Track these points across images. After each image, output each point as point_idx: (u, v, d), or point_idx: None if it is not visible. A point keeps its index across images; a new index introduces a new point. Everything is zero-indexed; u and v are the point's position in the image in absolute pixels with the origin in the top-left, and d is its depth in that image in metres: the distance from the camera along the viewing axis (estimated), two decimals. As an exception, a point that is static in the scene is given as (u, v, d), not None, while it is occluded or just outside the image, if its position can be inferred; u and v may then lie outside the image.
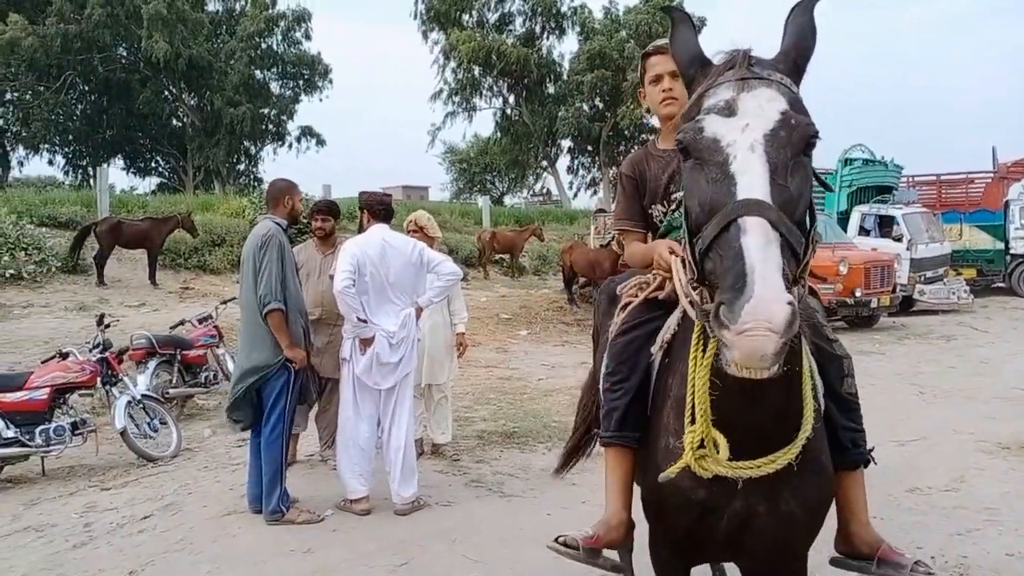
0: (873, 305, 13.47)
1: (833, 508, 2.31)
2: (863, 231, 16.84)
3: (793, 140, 1.65)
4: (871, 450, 2.54)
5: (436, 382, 6.08)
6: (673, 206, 2.63)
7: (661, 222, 2.70)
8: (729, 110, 1.68)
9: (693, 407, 1.85)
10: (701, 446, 1.84)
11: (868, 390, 8.24)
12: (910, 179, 20.99)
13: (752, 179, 1.59)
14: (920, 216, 17.23)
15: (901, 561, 2.33)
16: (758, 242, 1.49)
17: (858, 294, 13.07)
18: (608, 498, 2.50)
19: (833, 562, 2.48)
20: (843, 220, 16.95)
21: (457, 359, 6.44)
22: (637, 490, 2.44)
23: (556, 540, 2.42)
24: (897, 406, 7.84)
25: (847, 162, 18.11)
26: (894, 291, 14.15)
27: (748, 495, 1.94)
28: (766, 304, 1.40)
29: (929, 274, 16.44)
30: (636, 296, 2.58)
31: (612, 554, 2.75)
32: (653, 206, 2.70)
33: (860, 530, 2.46)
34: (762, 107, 1.66)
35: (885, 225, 16.79)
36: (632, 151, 20.85)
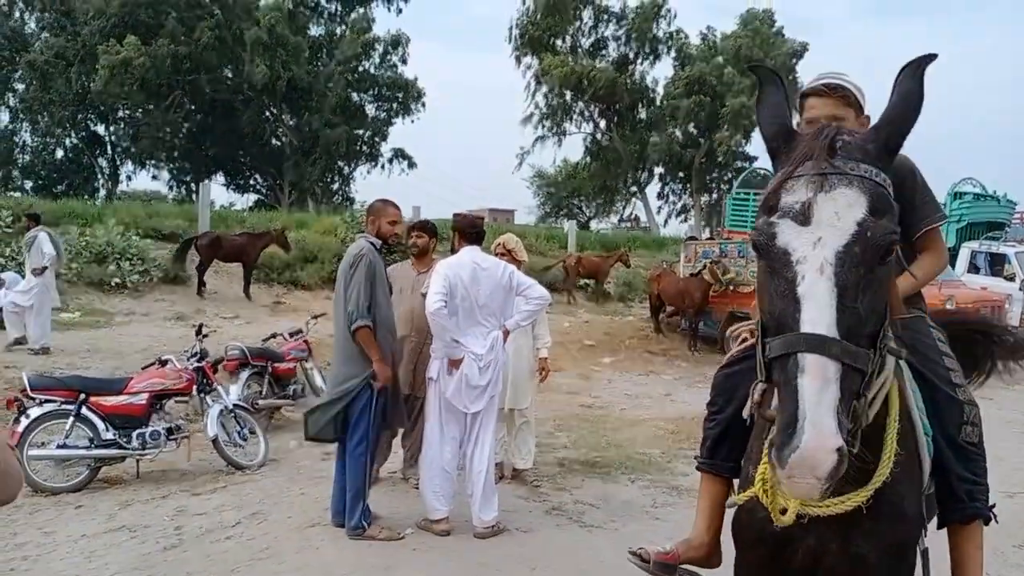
0: (981, 347, 12.73)
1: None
2: (973, 269, 16.02)
3: (867, 257, 1.61)
4: (992, 506, 2.40)
5: (519, 407, 6.02)
6: None
7: None
8: (804, 216, 1.62)
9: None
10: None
11: (977, 437, 7.80)
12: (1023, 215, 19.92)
13: (818, 310, 1.56)
14: (1034, 255, 16.28)
15: None
16: (814, 386, 1.50)
17: (965, 335, 12.39)
18: (696, 520, 2.65)
19: None
20: (951, 257, 16.16)
21: (538, 383, 6.38)
22: None
23: (633, 551, 2.59)
24: (1008, 455, 7.34)
25: (957, 195, 17.31)
26: (1005, 333, 13.36)
27: (821, 532, 1.93)
28: (812, 454, 1.45)
29: (1044, 315, 15.47)
30: (747, 338, 2.61)
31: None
32: None
33: None
34: (839, 215, 1.61)
35: (996, 263, 15.91)
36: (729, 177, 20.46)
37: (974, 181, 17.98)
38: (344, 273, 4.79)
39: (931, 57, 1.76)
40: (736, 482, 2.49)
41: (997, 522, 2.44)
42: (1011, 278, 15.34)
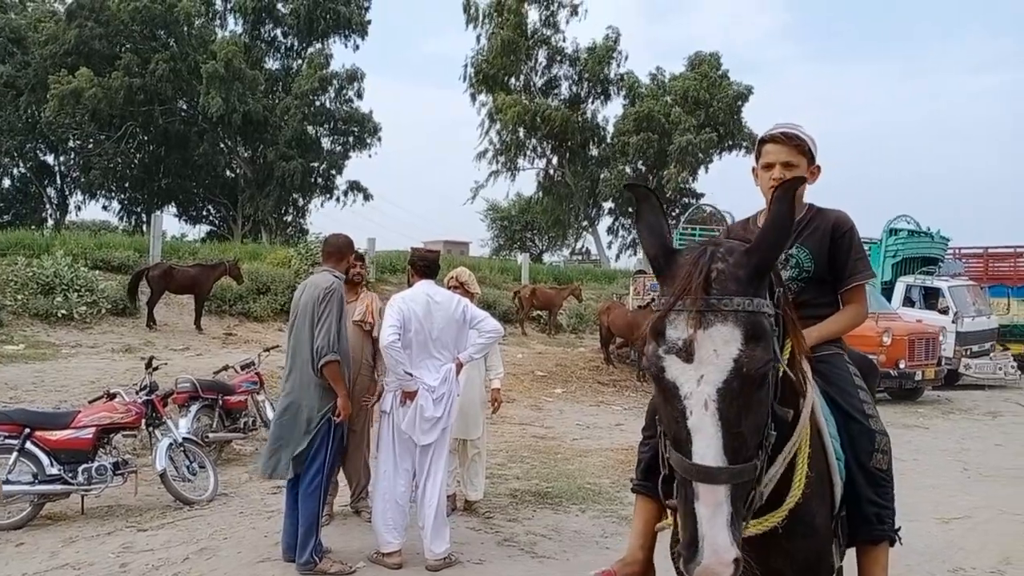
0: (917, 378, 13.22)
1: None
2: (908, 302, 16.60)
3: (746, 389, 1.78)
4: (898, 529, 2.61)
5: (470, 437, 6.09)
6: None
7: None
8: (687, 353, 1.79)
9: None
10: None
11: (911, 464, 8.12)
12: (956, 251, 20.71)
13: (705, 443, 1.76)
14: (966, 289, 16.95)
15: None
16: (708, 512, 1.72)
17: (902, 366, 12.84)
18: (631, 538, 2.80)
19: None
20: (887, 291, 16.73)
21: (490, 414, 6.46)
22: None
23: None
24: (941, 483, 7.64)
25: (892, 232, 17.96)
26: (939, 364, 13.88)
27: (746, 552, 2.04)
28: (712, 569, 1.69)
29: (975, 348, 16.09)
30: None
31: None
32: None
33: None
34: (717, 352, 1.77)
35: (930, 297, 16.54)
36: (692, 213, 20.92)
37: (908, 218, 18.68)
38: (312, 306, 4.80)
39: (800, 180, 2.02)
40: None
41: (901, 543, 2.64)
42: (944, 311, 15.95)
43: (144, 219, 37.28)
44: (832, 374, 2.60)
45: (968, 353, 15.81)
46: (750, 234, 2.83)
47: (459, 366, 5.19)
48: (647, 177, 37.26)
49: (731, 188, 54.77)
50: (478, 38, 36.82)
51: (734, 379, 1.76)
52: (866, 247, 2.90)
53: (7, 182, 38.95)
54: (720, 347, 1.77)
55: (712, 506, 1.73)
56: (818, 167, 2.77)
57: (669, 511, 2.45)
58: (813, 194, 2.86)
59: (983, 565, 5.21)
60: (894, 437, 2.80)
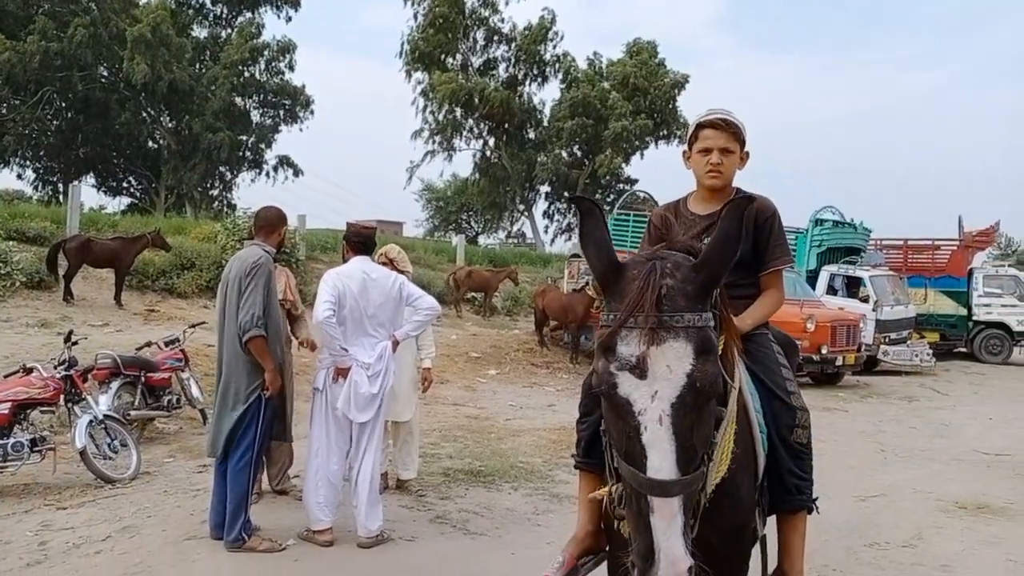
0: (838, 363, 13.70)
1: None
2: (831, 291, 17.17)
3: (699, 402, 1.84)
4: (815, 499, 2.77)
5: (401, 419, 6.02)
6: None
7: None
8: (640, 370, 1.81)
9: None
10: None
11: (831, 445, 8.42)
12: (878, 242, 21.49)
13: (660, 457, 1.80)
14: (887, 279, 17.63)
15: None
16: (663, 523, 1.77)
17: (824, 351, 13.29)
18: (579, 513, 2.84)
19: None
20: (812, 279, 17.27)
21: (421, 394, 6.42)
22: None
23: None
24: (859, 463, 7.95)
25: (818, 222, 18.52)
26: (859, 350, 14.41)
27: None
28: None
29: (894, 336, 16.78)
30: None
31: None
32: None
33: (792, 574, 2.74)
34: (670, 368, 1.81)
35: (852, 286, 17.15)
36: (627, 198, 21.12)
37: (834, 209, 19.29)
38: (238, 279, 4.67)
39: (751, 199, 2.06)
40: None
41: (819, 512, 2.80)
42: (866, 300, 16.57)
43: (61, 189, 35.73)
44: (757, 352, 2.70)
45: (887, 340, 16.47)
46: (679, 218, 2.89)
47: (395, 344, 5.14)
48: (583, 162, 37.54)
49: (664, 175, 55.60)
50: (415, 15, 36.35)
51: (687, 393, 1.81)
52: (792, 236, 3.00)
53: (-89, 146, 36.74)
54: (673, 363, 1.81)
55: (668, 518, 1.77)
56: (747, 153, 2.84)
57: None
58: (741, 179, 2.92)
59: (897, 540, 5.44)
60: (815, 419, 2.91)
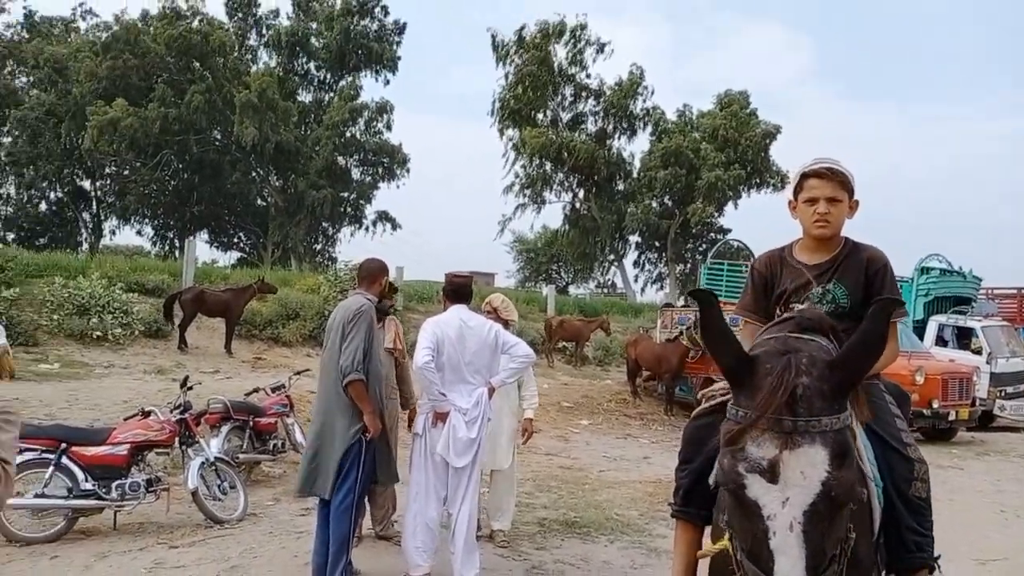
0: (951, 418, 12.97)
1: None
2: (940, 342, 16.36)
3: (832, 511, 1.76)
4: (937, 557, 2.61)
5: (498, 468, 6.05)
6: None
7: None
8: (771, 473, 1.74)
9: None
10: None
11: (947, 504, 7.97)
12: (989, 291, 20.43)
13: (790, 565, 1.73)
14: (1000, 329, 16.67)
15: None
16: None
17: (935, 405, 12.61)
18: (674, 563, 2.83)
19: None
20: (919, 330, 16.52)
21: (521, 444, 6.44)
22: None
23: None
24: (978, 523, 7.48)
25: (924, 271, 17.78)
26: (973, 404, 13.61)
27: None
28: None
29: (1010, 389, 15.76)
30: (716, 398, 2.78)
31: None
32: (773, 308, 2.86)
33: None
34: (804, 475, 1.73)
35: (963, 337, 16.29)
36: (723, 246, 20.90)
37: (940, 257, 18.50)
38: (342, 325, 4.87)
39: (898, 305, 2.02)
40: (708, 529, 2.68)
41: (941, 572, 2.63)
42: (978, 351, 15.70)
43: (177, 244, 37.98)
44: (870, 401, 2.58)
45: (1003, 394, 15.51)
46: (785, 267, 2.84)
47: (491, 391, 5.22)
48: (674, 212, 37.28)
49: (755, 224, 54.72)
50: (506, 75, 37.31)
51: (821, 502, 1.74)
52: (899, 285, 2.91)
53: (44, 206, 39.89)
54: (807, 469, 1.73)
55: None
56: (857, 202, 2.79)
57: (710, 539, 2.47)
58: (850, 229, 2.88)
59: (1022, 606, 5.09)
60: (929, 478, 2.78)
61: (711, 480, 2.21)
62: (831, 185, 2.70)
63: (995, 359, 15.55)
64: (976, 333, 16.05)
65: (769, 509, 1.74)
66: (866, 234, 2.88)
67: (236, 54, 37.02)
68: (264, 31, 39.67)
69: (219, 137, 37.11)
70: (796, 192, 2.81)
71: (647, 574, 5.50)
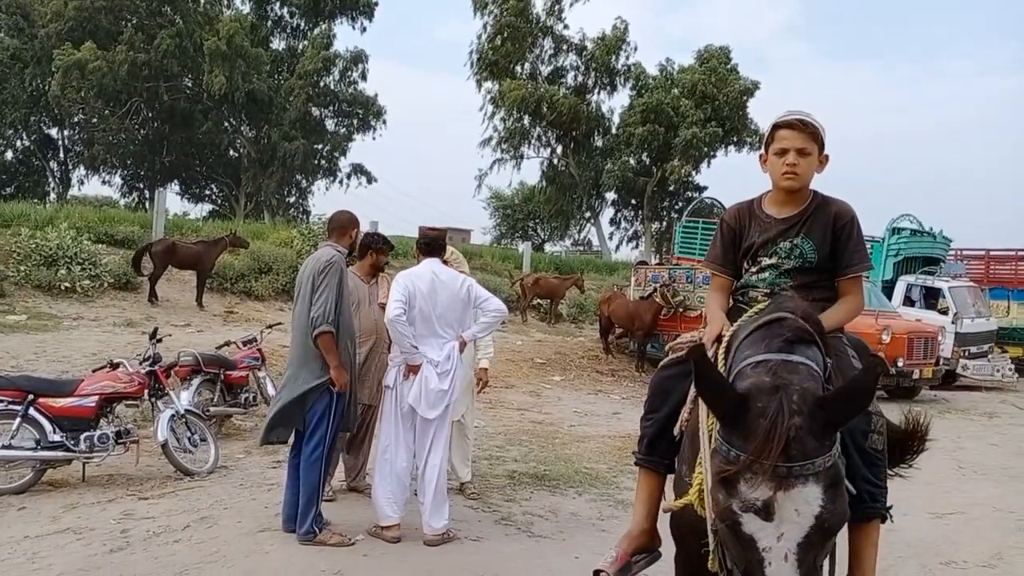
0: (915, 376, 13.25)
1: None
2: (908, 301, 16.63)
3: (825, 540, 1.85)
4: (889, 508, 2.69)
5: (454, 417, 6.08)
6: (755, 268, 2.83)
7: (740, 277, 2.90)
8: (767, 513, 1.80)
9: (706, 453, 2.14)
10: None
11: (907, 459, 8.13)
12: (958, 252, 20.72)
13: None
14: (967, 290, 16.96)
15: None
16: None
17: (900, 364, 12.86)
18: (636, 510, 2.90)
19: None
20: (888, 290, 16.76)
21: (476, 394, 6.47)
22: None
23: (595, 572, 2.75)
24: (936, 480, 7.67)
25: (895, 231, 17.97)
26: (937, 364, 13.90)
27: None
28: None
29: (974, 349, 16.12)
30: (683, 349, 2.85)
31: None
32: (741, 260, 2.88)
33: None
34: (798, 512, 1.79)
35: (931, 297, 16.57)
36: (698, 204, 20.95)
37: (912, 217, 18.69)
38: (311, 277, 4.85)
39: (882, 367, 2.03)
40: (670, 478, 2.75)
41: (892, 521, 2.72)
42: (944, 312, 15.99)
43: (147, 196, 37.40)
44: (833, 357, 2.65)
45: (966, 354, 15.85)
46: (754, 219, 2.83)
47: (463, 344, 5.23)
48: (651, 169, 37.22)
49: (732, 183, 54.79)
50: (484, 26, 36.72)
51: (815, 534, 1.81)
52: (868, 245, 2.92)
53: (10, 154, 38.99)
54: (801, 507, 1.80)
55: None
56: (827, 156, 2.78)
57: (674, 493, 2.53)
58: (820, 183, 2.86)
59: (975, 559, 5.26)
60: (891, 435, 2.84)
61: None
62: (802, 136, 2.68)
63: (960, 319, 15.85)
64: (943, 293, 16.32)
65: (764, 543, 1.81)
66: (845, 193, 2.87)
67: (207, -1, 36.07)
68: (236, -26, 38.64)
69: (190, 85, 36.34)
70: (767, 144, 2.80)
71: (614, 525, 5.58)
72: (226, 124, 37.49)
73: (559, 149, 39.17)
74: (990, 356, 16.48)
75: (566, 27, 37.10)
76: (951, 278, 17.36)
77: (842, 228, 2.72)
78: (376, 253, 5.98)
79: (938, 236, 18.88)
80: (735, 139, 36.73)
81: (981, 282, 19.18)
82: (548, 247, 46.39)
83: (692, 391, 2.51)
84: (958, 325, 15.74)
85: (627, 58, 37.36)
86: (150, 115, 36.56)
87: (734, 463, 1.84)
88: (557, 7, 36.52)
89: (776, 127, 2.76)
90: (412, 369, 4.96)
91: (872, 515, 2.63)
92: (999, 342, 17.74)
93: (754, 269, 2.83)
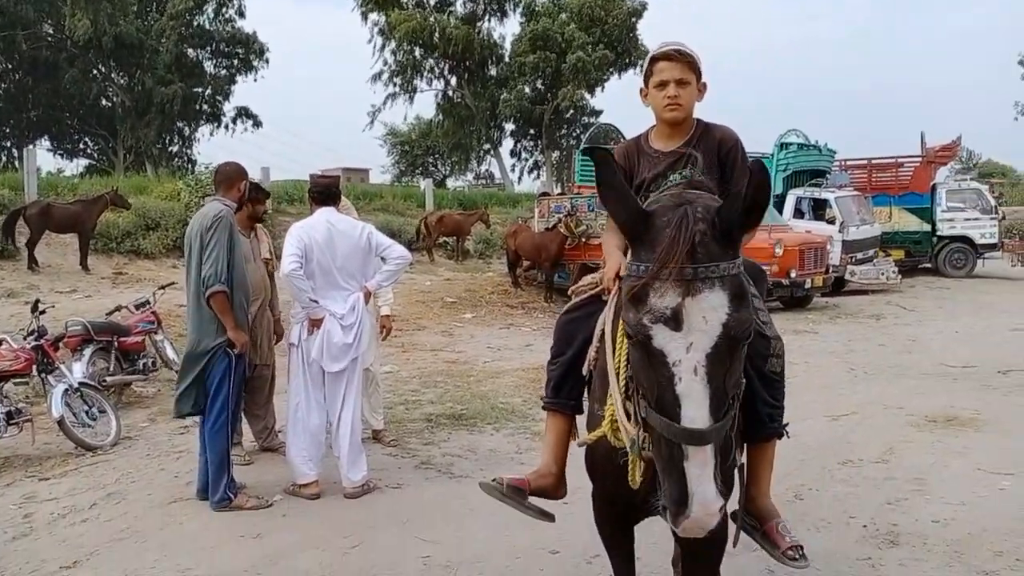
0: (807, 286, 13.88)
1: None
2: (798, 214, 17.32)
3: (732, 349, 1.85)
4: (785, 425, 2.82)
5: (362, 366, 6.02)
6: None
7: None
8: (675, 321, 1.81)
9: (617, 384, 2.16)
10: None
11: (803, 367, 8.59)
12: (842, 163, 21.60)
13: (696, 407, 1.82)
14: (852, 199, 17.77)
15: (778, 543, 2.72)
16: (696, 470, 1.80)
17: (793, 275, 13.43)
18: (544, 452, 2.96)
19: (732, 515, 2.66)
20: (779, 203, 17.38)
21: (381, 341, 6.41)
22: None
23: (486, 481, 2.82)
24: (831, 383, 8.13)
25: (783, 146, 18.55)
26: (827, 272, 14.60)
27: None
28: (701, 520, 1.82)
29: (860, 255, 17.01)
30: (586, 292, 2.86)
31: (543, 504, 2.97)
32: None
33: (759, 499, 2.80)
34: (706, 319, 1.80)
35: (819, 208, 17.31)
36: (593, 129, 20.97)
37: (799, 132, 19.34)
38: (199, 235, 4.60)
39: (765, 170, 1.98)
40: (579, 419, 2.79)
41: (789, 437, 2.86)
42: (832, 221, 16.75)
43: (15, 155, 34.74)
44: None
45: (853, 260, 16.70)
46: (642, 155, 2.83)
47: (367, 295, 5.12)
48: (546, 97, 37.07)
49: (630, 106, 55.15)
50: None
51: (723, 342, 1.82)
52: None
53: None
54: (709, 313, 1.80)
55: (701, 465, 1.81)
56: (705, 84, 2.80)
57: (587, 428, 2.55)
58: (702, 110, 2.89)
59: (870, 456, 5.60)
60: (786, 343, 2.93)
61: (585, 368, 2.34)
62: (679, 67, 2.69)
63: (847, 228, 16.65)
64: (830, 204, 17.07)
65: (674, 356, 1.81)
66: (732, 112, 2.88)
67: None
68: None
69: (51, 31, 33.62)
70: (647, 78, 2.80)
71: (532, 457, 5.65)
72: (95, 71, 35.00)
73: (453, 80, 38.45)
74: (875, 261, 17.44)
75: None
76: (837, 188, 18.14)
77: (727, 153, 2.76)
78: (252, 203, 5.61)
79: (824, 149, 19.62)
80: (627, 61, 36.84)
81: (864, 190, 20.12)
82: (450, 183, 46.08)
83: (598, 330, 2.52)
84: (845, 233, 16.53)
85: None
86: (10, 67, 33.89)
87: (643, 276, 1.86)
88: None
89: (654, 60, 2.76)
90: (315, 323, 4.84)
91: (770, 435, 2.76)
92: (883, 246, 18.79)
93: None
